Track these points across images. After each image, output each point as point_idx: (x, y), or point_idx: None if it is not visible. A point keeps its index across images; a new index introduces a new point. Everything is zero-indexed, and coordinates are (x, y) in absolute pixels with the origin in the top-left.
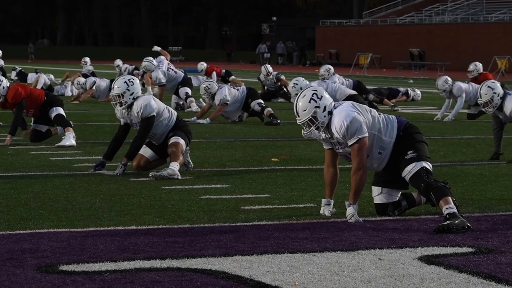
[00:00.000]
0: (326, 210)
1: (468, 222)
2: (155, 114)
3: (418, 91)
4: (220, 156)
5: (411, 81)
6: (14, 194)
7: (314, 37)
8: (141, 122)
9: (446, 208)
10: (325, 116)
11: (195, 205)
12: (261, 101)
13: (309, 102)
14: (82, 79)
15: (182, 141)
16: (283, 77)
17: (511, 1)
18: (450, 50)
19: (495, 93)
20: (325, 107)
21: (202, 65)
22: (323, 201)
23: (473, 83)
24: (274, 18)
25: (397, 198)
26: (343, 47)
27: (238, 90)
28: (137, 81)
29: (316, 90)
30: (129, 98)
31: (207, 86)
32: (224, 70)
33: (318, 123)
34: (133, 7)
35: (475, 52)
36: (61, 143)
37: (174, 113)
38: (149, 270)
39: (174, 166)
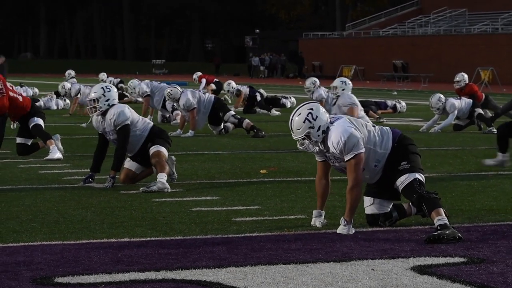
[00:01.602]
0: (317, 221)
1: (459, 233)
2: (129, 123)
3: (403, 103)
4: (208, 169)
5: (395, 92)
6: (5, 207)
7: (297, 49)
8: (117, 132)
9: (438, 220)
10: (319, 136)
11: (187, 217)
12: (233, 112)
13: (304, 122)
14: (68, 84)
15: (163, 149)
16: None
17: (493, 12)
18: (433, 62)
19: None
20: (319, 127)
21: (197, 74)
22: (315, 212)
23: (465, 99)
24: (257, 31)
25: (389, 209)
26: (327, 59)
27: (205, 94)
28: (114, 89)
29: (312, 109)
30: (104, 104)
31: (169, 92)
32: (215, 80)
33: (312, 141)
34: (115, 19)
35: (458, 63)
36: (49, 157)
37: (150, 123)
38: (144, 282)
39: (162, 178)
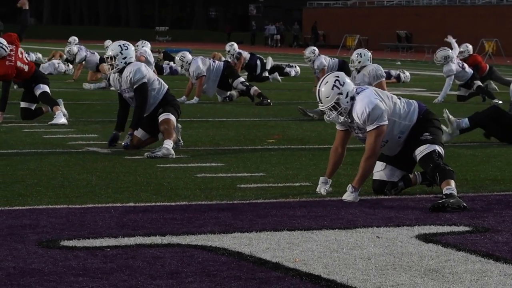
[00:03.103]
0: (322, 188)
1: (464, 202)
2: (145, 81)
3: (407, 73)
4: (213, 135)
5: (399, 63)
6: (10, 171)
7: (301, 18)
8: (135, 91)
9: (447, 189)
10: (347, 102)
11: (191, 183)
12: (243, 79)
13: (332, 89)
14: (75, 49)
15: (172, 117)
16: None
17: None
18: (437, 32)
19: None
20: (347, 93)
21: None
22: (321, 179)
23: (466, 65)
24: None
25: (397, 178)
26: (331, 29)
27: (214, 62)
28: (132, 47)
29: (338, 77)
30: (121, 62)
31: (181, 56)
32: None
33: (341, 109)
34: None
35: (462, 34)
36: (53, 121)
37: (165, 86)
38: (150, 246)
39: (168, 144)
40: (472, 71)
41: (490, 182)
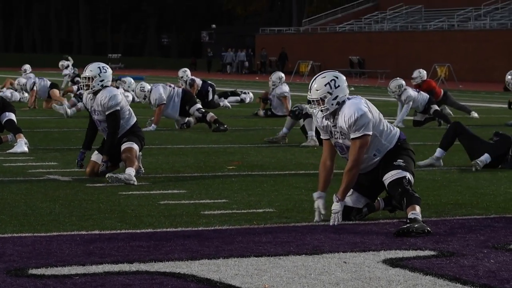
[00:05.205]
0: (320, 202)
1: (428, 227)
2: (119, 108)
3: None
4: (173, 162)
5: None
6: None
7: (254, 45)
8: (107, 117)
9: (412, 213)
10: (332, 104)
11: (155, 210)
12: (199, 106)
13: (325, 85)
14: (22, 80)
15: (135, 146)
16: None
17: (450, 9)
18: (390, 58)
19: None
20: (336, 96)
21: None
22: (315, 194)
23: (423, 93)
24: (214, 26)
25: (362, 205)
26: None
27: (174, 89)
28: (110, 70)
29: (337, 78)
30: (98, 84)
31: (140, 87)
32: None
33: (323, 107)
34: (71, 13)
35: (415, 60)
36: (12, 150)
37: (134, 118)
38: (118, 273)
39: (131, 172)
40: (428, 96)
41: (451, 207)
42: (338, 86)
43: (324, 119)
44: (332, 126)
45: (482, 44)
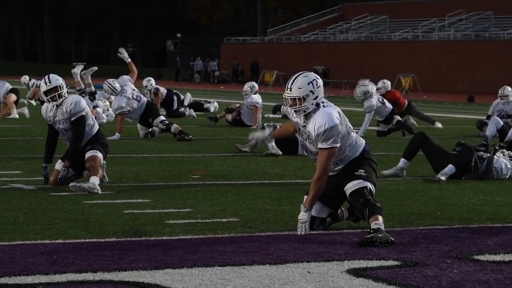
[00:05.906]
0: (302, 226)
1: (391, 237)
2: (84, 114)
3: None
4: (137, 172)
5: None
6: None
7: (219, 54)
8: (72, 123)
9: (375, 223)
10: (312, 104)
11: (119, 219)
12: (163, 118)
13: (308, 84)
14: None
15: (100, 155)
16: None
17: (414, 20)
18: (354, 68)
19: None
20: (317, 97)
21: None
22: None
23: (386, 101)
24: (179, 35)
25: (325, 215)
26: (248, 65)
27: (138, 101)
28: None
29: (318, 78)
30: (65, 92)
31: (112, 84)
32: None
33: (303, 106)
34: (35, 22)
35: (380, 70)
36: None
37: (97, 125)
38: (82, 283)
39: (95, 181)
40: (391, 106)
41: (415, 217)
42: (319, 86)
43: (298, 118)
44: (302, 126)
45: (446, 54)
